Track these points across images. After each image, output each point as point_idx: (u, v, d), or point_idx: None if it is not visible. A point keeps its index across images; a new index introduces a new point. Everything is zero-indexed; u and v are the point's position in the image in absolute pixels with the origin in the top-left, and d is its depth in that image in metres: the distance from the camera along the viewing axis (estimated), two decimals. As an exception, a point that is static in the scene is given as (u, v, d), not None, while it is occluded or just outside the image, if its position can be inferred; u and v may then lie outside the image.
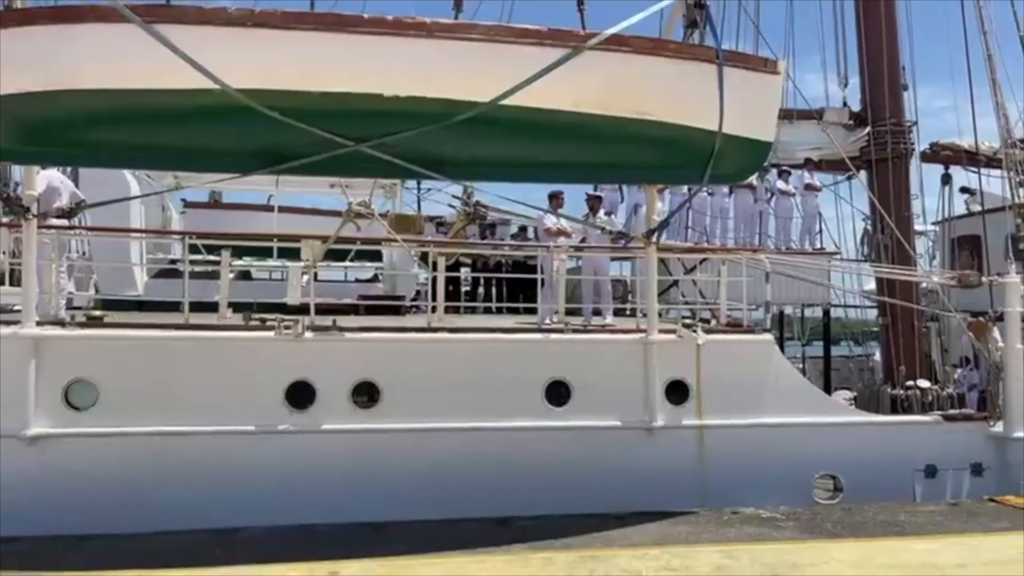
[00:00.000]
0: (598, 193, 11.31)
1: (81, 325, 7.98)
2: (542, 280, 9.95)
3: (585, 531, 7.28)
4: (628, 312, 10.46)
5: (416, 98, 6.22)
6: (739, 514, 8.18)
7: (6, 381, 7.33)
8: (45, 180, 8.45)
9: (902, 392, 11.73)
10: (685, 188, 11.69)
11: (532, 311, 10.01)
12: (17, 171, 10.50)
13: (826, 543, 7.16)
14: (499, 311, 11.56)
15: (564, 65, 6.31)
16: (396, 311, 10.32)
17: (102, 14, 6.03)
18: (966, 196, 16.96)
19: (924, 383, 11.94)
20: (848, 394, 14.81)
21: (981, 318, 10.15)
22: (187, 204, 15.17)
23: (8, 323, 7.77)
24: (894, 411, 11.35)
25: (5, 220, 8.73)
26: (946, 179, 16.53)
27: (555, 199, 10.40)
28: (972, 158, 15.36)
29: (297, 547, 6.86)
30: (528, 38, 6.42)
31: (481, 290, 13.04)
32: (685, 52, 7.05)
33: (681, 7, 7.57)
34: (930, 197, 18.71)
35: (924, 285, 13.23)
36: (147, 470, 7.57)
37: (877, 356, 17.58)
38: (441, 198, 15.24)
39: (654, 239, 8.67)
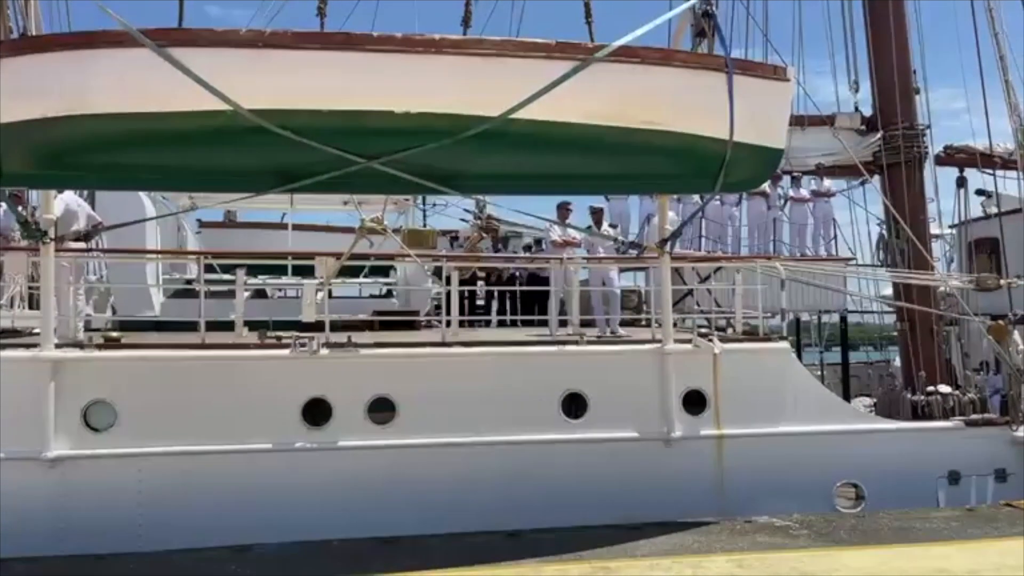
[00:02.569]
0: (600, 206, 11.35)
1: (99, 347, 8.04)
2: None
3: (597, 543, 7.28)
4: (643, 323, 10.42)
5: (427, 114, 6.25)
6: (752, 523, 8.15)
7: (26, 403, 7.39)
8: (63, 204, 8.57)
9: (923, 398, 11.59)
10: (696, 197, 11.67)
11: (546, 323, 9.99)
12: (34, 195, 10.64)
13: (838, 550, 7.13)
14: (513, 324, 11.54)
15: (573, 77, 6.32)
16: (411, 326, 10.33)
17: (115, 39, 6.11)
18: (982, 199, 16.80)
19: (945, 388, 11.79)
20: (868, 400, 14.65)
21: (1001, 321, 10.03)
22: (202, 224, 15.32)
23: (27, 346, 7.86)
24: (915, 417, 11.21)
25: (24, 244, 8.84)
26: (961, 182, 16.37)
27: (562, 210, 10.40)
28: (987, 160, 15.23)
29: (310, 563, 6.91)
30: (537, 52, 6.44)
31: (495, 304, 13.03)
32: (694, 61, 7.05)
33: (689, 17, 7.58)
34: (946, 200, 18.54)
35: (942, 289, 13.10)
36: (166, 490, 7.60)
37: (897, 362, 17.43)
38: (453, 212, 15.36)
39: (667, 248, 8.65)
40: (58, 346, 7.69)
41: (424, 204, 15.96)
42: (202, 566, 6.93)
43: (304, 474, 7.89)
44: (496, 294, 12.76)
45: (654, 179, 7.67)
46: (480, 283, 12.86)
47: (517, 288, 11.70)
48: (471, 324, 11.23)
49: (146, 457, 7.61)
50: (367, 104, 6.22)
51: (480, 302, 13.26)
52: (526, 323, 10.88)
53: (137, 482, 7.56)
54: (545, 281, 10.71)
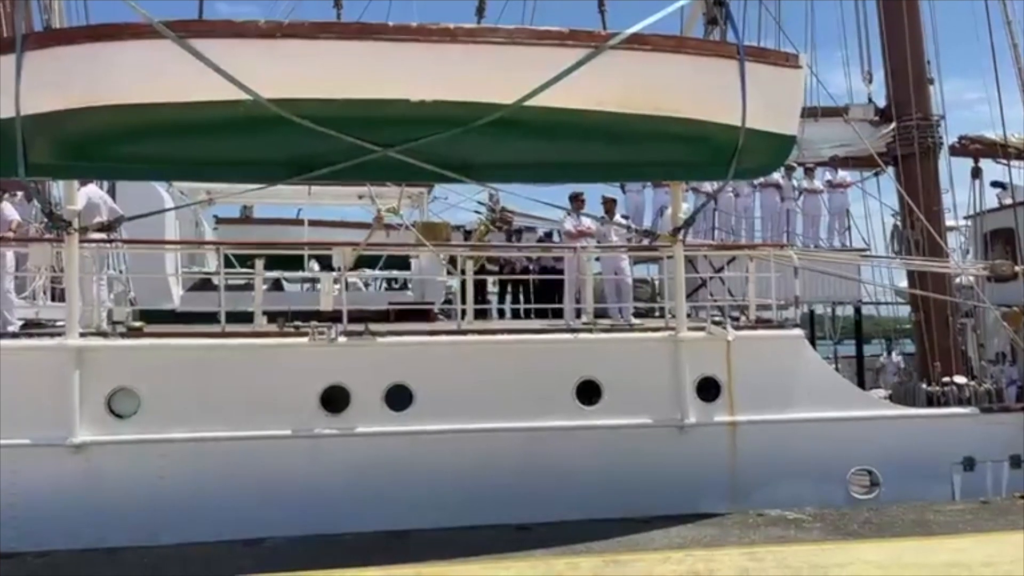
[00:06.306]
0: (612, 196, 11.41)
1: (123, 335, 8.18)
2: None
3: (609, 535, 7.34)
4: (657, 313, 10.47)
5: (441, 102, 6.37)
6: (764, 516, 8.19)
7: (52, 391, 7.53)
8: (86, 196, 8.73)
9: (938, 388, 11.56)
10: (708, 187, 11.70)
11: (559, 314, 10.06)
12: (56, 188, 10.83)
13: (852, 544, 7.14)
14: (527, 315, 11.62)
15: (586, 65, 6.42)
16: (426, 317, 10.42)
17: (137, 31, 6.26)
18: (997, 190, 16.68)
19: (960, 379, 11.75)
20: (882, 392, 14.63)
21: (1016, 307, 9.99)
22: (219, 220, 15.48)
23: (53, 335, 8.02)
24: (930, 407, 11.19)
25: (48, 235, 9.00)
26: (976, 172, 16.25)
27: (576, 200, 10.45)
28: (1002, 151, 15.13)
29: (322, 555, 6.97)
30: (550, 39, 6.54)
31: (509, 297, 13.10)
32: (706, 48, 7.12)
33: (701, 5, 7.64)
34: (961, 192, 18.41)
35: (958, 280, 13.05)
36: (189, 476, 7.72)
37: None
38: (458, 206, 15.43)
39: (680, 236, 8.70)
40: (83, 335, 7.82)
41: (428, 196, 15.98)
42: (214, 560, 7.02)
43: (324, 459, 7.99)
44: (509, 287, 12.83)
45: (667, 166, 7.73)
46: (491, 277, 12.90)
47: (530, 277, 11.77)
48: (484, 316, 11.30)
49: (169, 443, 7.73)
50: (383, 93, 6.34)
51: (492, 298, 13.32)
52: (539, 315, 10.95)
53: (159, 467, 7.68)
54: (558, 273, 10.77)
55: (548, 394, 8.41)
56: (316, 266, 12.00)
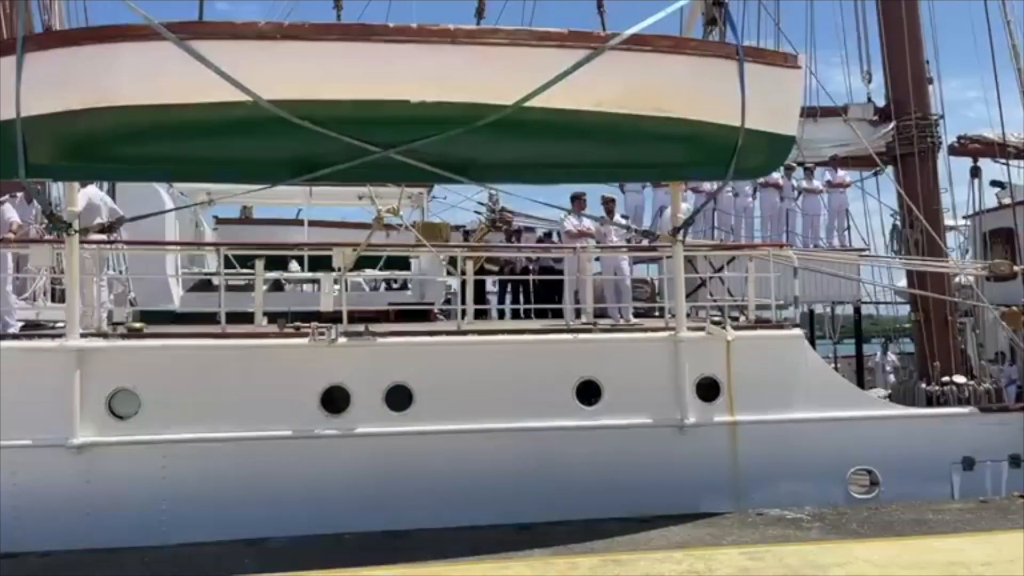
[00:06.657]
0: (612, 195, 11.41)
1: (123, 336, 8.19)
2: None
3: (609, 535, 7.36)
4: (656, 313, 10.49)
5: (442, 103, 6.39)
6: (764, 516, 8.22)
7: (53, 392, 7.55)
8: (86, 197, 8.74)
9: (938, 388, 11.59)
10: (708, 187, 11.73)
11: (559, 314, 10.07)
12: (56, 189, 10.84)
13: (851, 543, 7.17)
14: (527, 315, 11.64)
15: (586, 66, 6.44)
16: (426, 317, 10.44)
17: (139, 33, 6.28)
18: (996, 190, 16.71)
19: (960, 379, 11.78)
20: (882, 392, 14.65)
21: (1015, 307, 10.01)
22: (219, 220, 15.49)
23: (53, 336, 8.03)
24: (930, 407, 11.20)
25: (48, 237, 9.02)
26: (975, 172, 16.28)
27: (577, 200, 10.46)
28: (1001, 150, 15.15)
29: (324, 555, 7.00)
30: (550, 41, 6.56)
31: (509, 297, 13.10)
32: (705, 49, 7.14)
33: (700, 6, 7.67)
34: (960, 191, 18.46)
35: (957, 280, 13.07)
36: (189, 476, 7.73)
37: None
38: (456, 205, 15.45)
39: (680, 236, 8.72)
40: (83, 336, 7.83)
41: (428, 196, 16.00)
42: (215, 560, 7.05)
43: (325, 460, 8.00)
44: (508, 287, 12.83)
45: (667, 166, 7.76)
46: (490, 277, 12.91)
47: (530, 278, 11.78)
48: (484, 316, 11.30)
49: (169, 444, 7.74)
50: (383, 94, 6.36)
51: (491, 298, 13.32)
52: (539, 315, 10.96)
53: (160, 468, 7.69)
54: (558, 274, 10.78)
55: (548, 394, 8.43)
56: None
